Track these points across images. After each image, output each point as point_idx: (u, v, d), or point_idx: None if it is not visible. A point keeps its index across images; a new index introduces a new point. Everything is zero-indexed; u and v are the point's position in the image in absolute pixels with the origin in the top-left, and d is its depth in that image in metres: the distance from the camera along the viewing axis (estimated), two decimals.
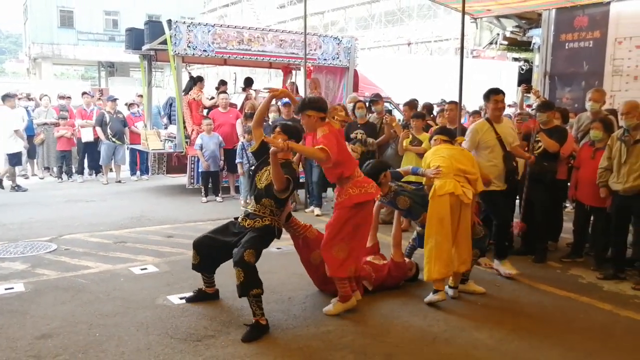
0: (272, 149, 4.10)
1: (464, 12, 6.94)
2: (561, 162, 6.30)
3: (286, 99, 7.67)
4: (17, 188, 10.38)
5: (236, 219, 4.68)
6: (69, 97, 13.24)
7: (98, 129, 11.51)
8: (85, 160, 12.30)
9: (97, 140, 11.80)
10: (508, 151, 5.57)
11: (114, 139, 11.43)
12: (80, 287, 5.13)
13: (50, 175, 12.26)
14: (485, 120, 5.66)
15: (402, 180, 5.57)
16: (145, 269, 5.71)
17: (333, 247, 4.57)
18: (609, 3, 9.80)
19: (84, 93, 13.04)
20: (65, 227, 7.49)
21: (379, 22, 28.72)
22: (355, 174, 4.63)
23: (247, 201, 4.75)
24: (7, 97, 10.65)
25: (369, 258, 5.35)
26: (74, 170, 12.07)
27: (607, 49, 9.93)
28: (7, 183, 10.54)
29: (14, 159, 10.54)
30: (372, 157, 7.66)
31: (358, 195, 4.53)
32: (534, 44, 16.78)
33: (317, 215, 8.50)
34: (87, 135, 11.74)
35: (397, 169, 5.84)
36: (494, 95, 5.58)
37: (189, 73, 11.85)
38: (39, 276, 5.42)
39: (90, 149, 11.99)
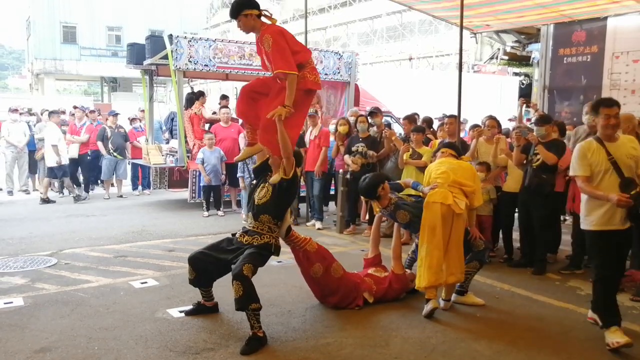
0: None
1: (462, 27, 7.04)
2: (559, 174, 6.33)
3: None
4: (77, 198, 11.09)
5: (234, 235, 4.71)
6: (73, 115, 13.23)
7: (99, 143, 11.57)
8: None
9: (81, 156, 11.74)
10: (627, 177, 4.24)
11: (115, 154, 11.51)
12: (79, 301, 5.14)
13: (52, 190, 12.28)
14: (592, 139, 4.45)
15: (404, 192, 5.58)
16: (146, 282, 5.73)
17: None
18: (605, 18, 9.91)
19: (74, 107, 13.05)
20: (65, 242, 7.52)
21: (380, 37, 28.91)
22: (310, 60, 4.65)
23: (249, 215, 4.76)
24: (52, 113, 11.25)
25: (370, 270, 5.38)
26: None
27: (605, 63, 10.05)
28: (52, 195, 11.55)
29: (59, 172, 10.92)
30: (372, 169, 7.73)
31: (312, 82, 4.58)
32: (533, 58, 16.90)
33: (319, 229, 8.52)
34: (71, 151, 11.60)
35: (397, 181, 5.86)
36: (604, 107, 4.34)
37: (192, 88, 11.92)
38: (38, 290, 5.44)
39: (79, 164, 11.92)
